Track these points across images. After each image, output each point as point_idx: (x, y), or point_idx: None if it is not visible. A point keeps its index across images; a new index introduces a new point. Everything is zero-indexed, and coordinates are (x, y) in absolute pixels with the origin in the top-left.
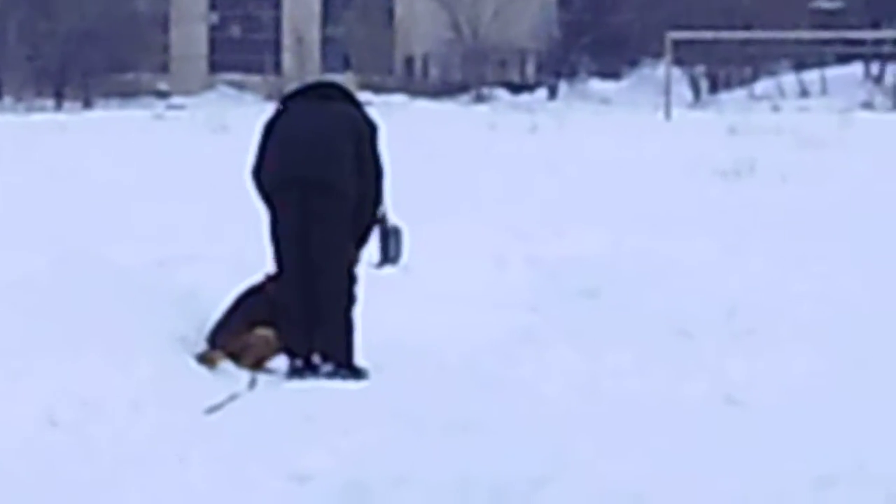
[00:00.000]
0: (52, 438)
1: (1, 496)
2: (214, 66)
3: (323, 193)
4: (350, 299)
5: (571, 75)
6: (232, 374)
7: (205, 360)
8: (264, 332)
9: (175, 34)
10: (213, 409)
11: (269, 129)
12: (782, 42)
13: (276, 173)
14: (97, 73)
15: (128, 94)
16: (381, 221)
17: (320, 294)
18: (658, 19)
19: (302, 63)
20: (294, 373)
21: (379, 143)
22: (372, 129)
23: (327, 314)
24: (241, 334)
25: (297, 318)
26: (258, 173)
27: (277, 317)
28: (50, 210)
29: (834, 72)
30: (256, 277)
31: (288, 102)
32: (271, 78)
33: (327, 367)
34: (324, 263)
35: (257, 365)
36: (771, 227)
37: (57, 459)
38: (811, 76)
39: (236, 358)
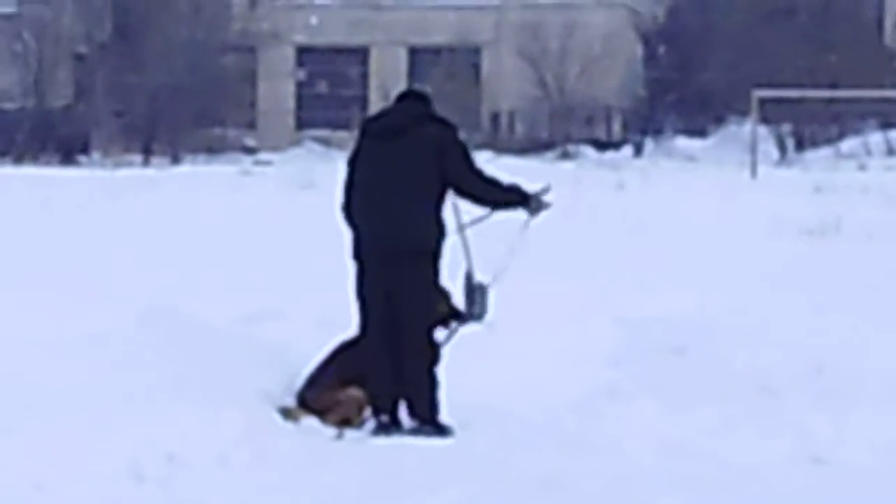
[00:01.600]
0: (138, 493)
1: None
2: (301, 122)
3: (403, 258)
4: (434, 356)
5: (657, 133)
6: (318, 431)
7: (289, 415)
8: (356, 393)
9: (262, 90)
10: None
11: (353, 164)
12: (868, 101)
13: (357, 242)
14: (185, 128)
15: (215, 149)
16: (467, 278)
17: (405, 351)
18: (744, 77)
19: None
20: (380, 429)
21: (463, 147)
22: (453, 137)
23: (411, 371)
24: (333, 390)
25: (382, 375)
26: (347, 209)
27: (364, 374)
28: (137, 265)
29: None
30: (350, 333)
31: (368, 135)
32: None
33: (412, 424)
34: (407, 323)
35: (343, 423)
36: (857, 285)
37: None
38: None
39: (323, 415)
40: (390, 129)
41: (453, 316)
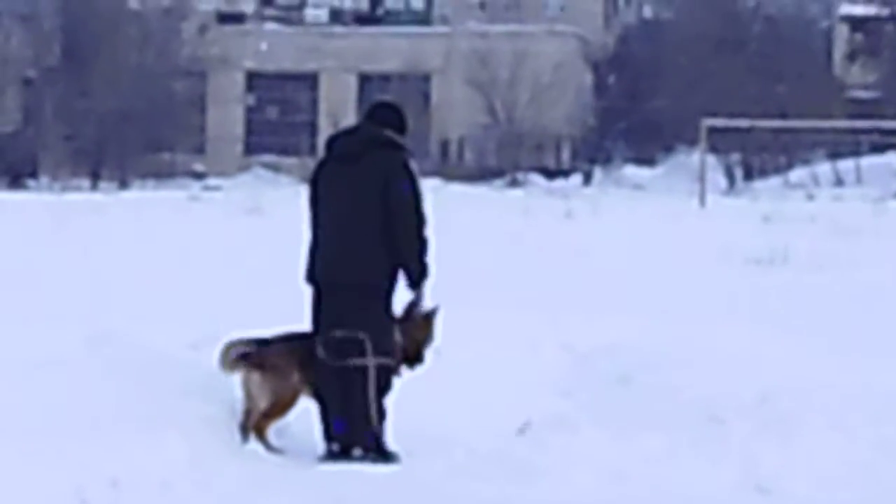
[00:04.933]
0: None
1: None
2: (250, 148)
3: (348, 291)
4: (383, 387)
5: (606, 161)
6: (264, 458)
7: (225, 359)
8: (300, 384)
9: (212, 115)
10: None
11: (314, 183)
12: (817, 131)
13: (308, 270)
14: (134, 153)
15: (164, 174)
16: (412, 305)
17: (351, 383)
18: (693, 106)
19: None
20: (329, 456)
21: (410, 181)
22: (401, 166)
23: (356, 401)
24: (279, 356)
25: (332, 403)
26: (313, 230)
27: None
28: (83, 290)
29: (869, 161)
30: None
31: (328, 154)
32: (307, 160)
33: (357, 452)
34: (355, 352)
35: (272, 409)
36: (804, 315)
37: None
38: (846, 165)
39: (259, 370)
40: (345, 153)
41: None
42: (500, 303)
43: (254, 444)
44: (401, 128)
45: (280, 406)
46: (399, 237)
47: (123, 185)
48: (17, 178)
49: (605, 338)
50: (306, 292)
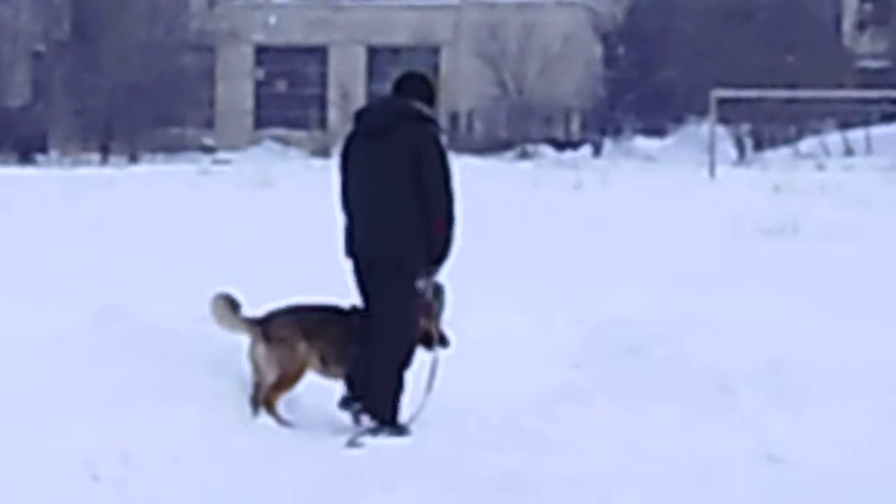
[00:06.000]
0: (93, 493)
1: None
2: (260, 122)
3: (381, 269)
4: (404, 361)
5: (616, 132)
6: (274, 430)
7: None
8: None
9: (221, 89)
10: (352, 444)
11: (344, 158)
12: (827, 101)
13: (347, 245)
14: (143, 127)
15: (173, 148)
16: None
17: (375, 353)
18: (703, 77)
19: (347, 119)
20: (343, 403)
21: (440, 155)
22: (431, 141)
23: (378, 372)
24: (284, 327)
25: (358, 359)
26: (345, 205)
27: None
28: (93, 265)
29: (879, 131)
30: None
31: (357, 128)
32: (316, 133)
33: (370, 423)
34: (380, 329)
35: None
36: (815, 284)
37: None
38: (856, 135)
39: (264, 342)
40: (374, 127)
41: (426, 341)
42: (511, 275)
43: (264, 417)
44: (430, 98)
45: (288, 379)
46: (430, 214)
47: (133, 159)
48: (26, 153)
49: (616, 309)
50: (346, 266)
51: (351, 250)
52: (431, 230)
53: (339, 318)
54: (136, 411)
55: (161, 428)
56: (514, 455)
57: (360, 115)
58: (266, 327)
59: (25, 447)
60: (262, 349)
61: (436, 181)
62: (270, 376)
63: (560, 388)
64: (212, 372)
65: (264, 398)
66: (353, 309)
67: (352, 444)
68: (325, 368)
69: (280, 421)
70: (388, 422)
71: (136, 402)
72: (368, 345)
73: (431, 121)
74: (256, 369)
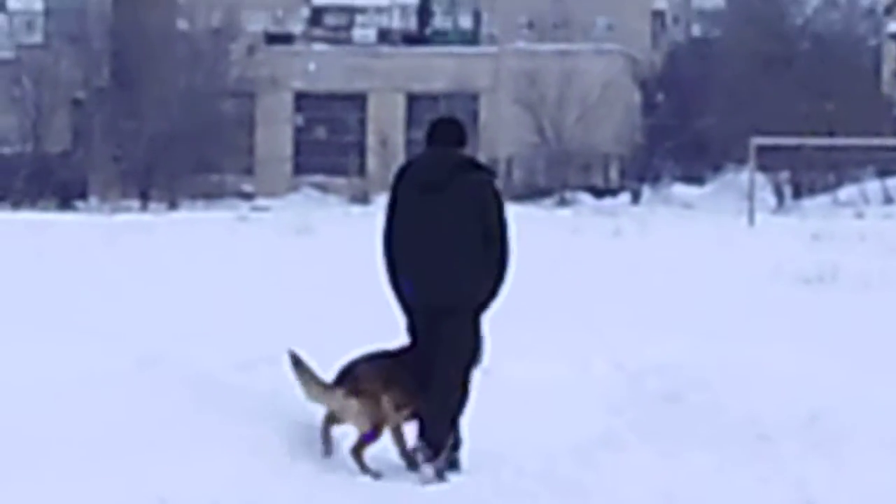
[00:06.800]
0: None
1: None
2: (299, 168)
3: (449, 314)
4: (463, 404)
5: (655, 180)
6: (309, 479)
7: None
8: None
9: (260, 136)
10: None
11: (392, 215)
12: (866, 149)
13: (404, 295)
14: (182, 174)
15: (213, 195)
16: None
17: (446, 386)
18: (742, 125)
19: (387, 165)
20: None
21: (500, 203)
22: (493, 190)
23: (445, 406)
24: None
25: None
26: (390, 261)
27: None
28: (133, 310)
29: None
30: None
31: (408, 184)
32: (355, 180)
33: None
34: (443, 371)
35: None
36: (854, 334)
37: None
38: (895, 183)
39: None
40: (432, 181)
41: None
42: (551, 321)
43: (300, 463)
44: (463, 142)
45: (379, 430)
46: (493, 259)
47: (172, 205)
48: (66, 200)
49: (655, 356)
50: (394, 311)
51: (411, 297)
52: (496, 274)
53: (402, 362)
54: (174, 456)
55: (198, 473)
56: (550, 502)
57: (408, 169)
58: (354, 383)
59: (64, 488)
60: (353, 405)
61: (499, 228)
62: (363, 428)
63: (598, 435)
64: (249, 419)
65: (356, 448)
66: (402, 350)
67: (433, 476)
68: (398, 413)
69: (366, 469)
70: (437, 454)
71: (174, 448)
72: (435, 388)
73: (488, 170)
74: (341, 420)
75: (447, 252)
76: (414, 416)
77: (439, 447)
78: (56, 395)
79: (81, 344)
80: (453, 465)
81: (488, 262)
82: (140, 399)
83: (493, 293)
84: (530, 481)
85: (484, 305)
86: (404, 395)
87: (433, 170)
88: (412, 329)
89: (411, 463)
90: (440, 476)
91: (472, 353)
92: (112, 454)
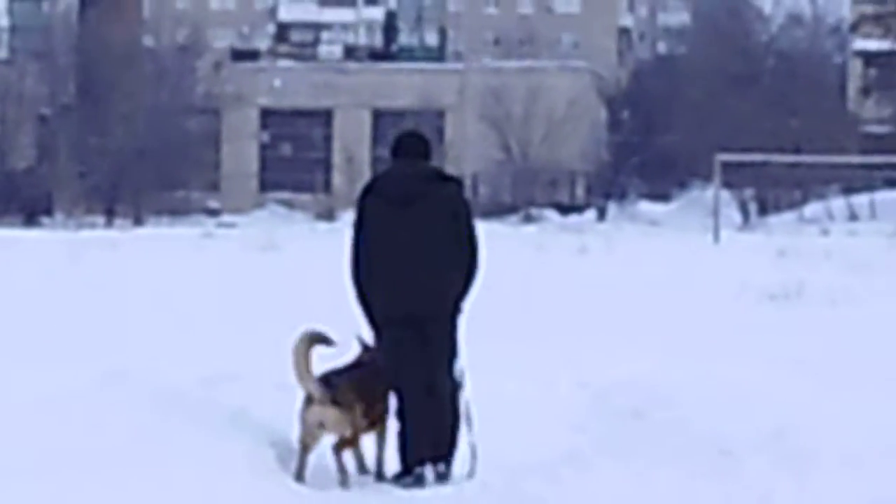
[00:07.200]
0: None
1: None
2: (265, 185)
3: (425, 323)
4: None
5: (621, 197)
6: (276, 496)
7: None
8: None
9: (226, 152)
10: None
11: (360, 229)
12: (831, 166)
13: (379, 310)
14: (148, 190)
15: (179, 211)
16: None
17: (438, 389)
18: (707, 141)
19: (352, 182)
20: (417, 480)
21: (469, 210)
22: (463, 199)
23: (442, 409)
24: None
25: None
26: (356, 277)
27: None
28: (97, 326)
29: (883, 196)
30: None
31: (378, 198)
32: (321, 196)
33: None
34: (442, 368)
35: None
36: (819, 350)
37: None
38: (860, 200)
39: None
40: (405, 194)
41: None
42: (515, 338)
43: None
44: (428, 155)
45: (356, 437)
46: (466, 264)
47: (138, 221)
48: (31, 215)
49: (620, 373)
50: (361, 325)
51: (383, 309)
52: (470, 279)
53: (373, 372)
54: (140, 473)
55: (164, 490)
56: None
57: (376, 184)
58: (334, 393)
59: None
60: (333, 414)
61: (470, 235)
62: (345, 434)
63: (563, 452)
64: (215, 434)
65: (337, 446)
66: (359, 362)
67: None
68: (364, 419)
69: (342, 471)
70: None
71: (140, 464)
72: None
73: (456, 180)
74: (319, 426)
75: (426, 262)
76: (372, 425)
77: (451, 448)
78: (19, 414)
79: (44, 360)
80: (419, 480)
81: (463, 266)
82: (104, 416)
83: (465, 290)
84: (495, 498)
85: (458, 306)
86: (372, 405)
87: (405, 183)
88: (387, 341)
89: (361, 467)
90: (442, 478)
91: (455, 355)
92: (76, 472)
